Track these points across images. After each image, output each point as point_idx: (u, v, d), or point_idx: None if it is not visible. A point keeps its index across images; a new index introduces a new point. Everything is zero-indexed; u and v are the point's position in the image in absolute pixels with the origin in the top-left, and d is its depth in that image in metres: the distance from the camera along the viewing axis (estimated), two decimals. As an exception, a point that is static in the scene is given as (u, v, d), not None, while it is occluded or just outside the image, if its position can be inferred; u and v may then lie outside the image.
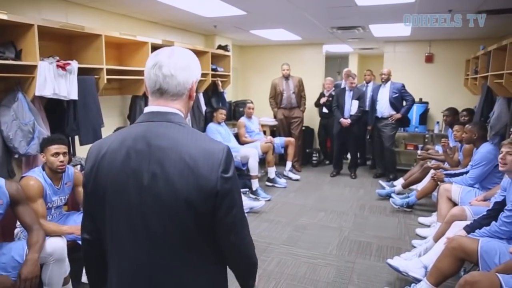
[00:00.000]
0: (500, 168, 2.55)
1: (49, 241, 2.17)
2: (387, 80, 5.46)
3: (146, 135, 0.99)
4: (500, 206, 2.44)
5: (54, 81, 2.85)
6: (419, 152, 5.17)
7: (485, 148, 3.35)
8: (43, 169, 2.46)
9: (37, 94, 2.76)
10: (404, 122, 5.57)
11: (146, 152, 0.98)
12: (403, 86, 5.40)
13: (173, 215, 0.97)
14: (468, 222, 2.63)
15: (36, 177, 2.39)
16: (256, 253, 1.15)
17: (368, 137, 5.99)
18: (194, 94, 1.09)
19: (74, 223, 2.54)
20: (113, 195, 1.01)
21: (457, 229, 2.64)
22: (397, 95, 5.36)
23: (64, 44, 3.34)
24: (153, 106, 1.04)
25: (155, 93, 1.03)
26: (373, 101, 5.53)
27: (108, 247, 1.07)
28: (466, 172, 3.50)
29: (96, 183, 1.03)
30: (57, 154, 2.41)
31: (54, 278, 2.19)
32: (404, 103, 5.43)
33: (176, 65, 1.01)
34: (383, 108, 5.44)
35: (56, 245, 2.19)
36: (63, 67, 2.92)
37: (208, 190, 0.96)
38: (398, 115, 5.35)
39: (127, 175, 0.98)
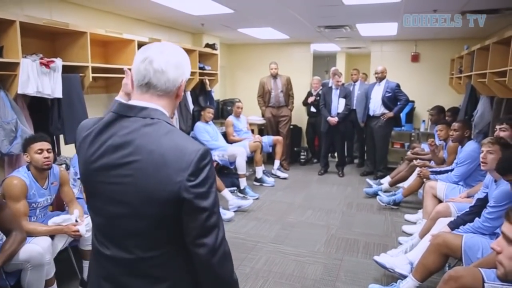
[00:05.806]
0: (481, 167, 2.60)
1: (24, 248, 2.10)
2: (382, 78, 5.38)
3: (120, 131, 0.98)
4: (482, 202, 2.49)
5: (38, 79, 2.79)
6: (408, 153, 5.21)
7: (470, 146, 3.40)
8: (28, 169, 2.42)
9: (19, 92, 2.71)
10: (396, 121, 5.54)
11: (119, 147, 0.96)
12: (398, 85, 5.32)
13: (140, 213, 0.95)
14: (452, 219, 2.68)
15: (20, 176, 2.34)
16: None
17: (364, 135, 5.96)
18: (182, 93, 1.07)
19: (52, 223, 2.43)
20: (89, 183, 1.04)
21: (442, 226, 2.68)
22: (390, 94, 5.29)
23: (48, 41, 3.28)
24: (136, 101, 1.01)
25: (142, 87, 0.99)
26: (367, 99, 5.52)
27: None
28: (451, 170, 3.55)
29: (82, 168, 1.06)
30: (41, 150, 2.38)
31: (33, 284, 2.14)
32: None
33: (168, 61, 0.98)
34: (376, 106, 5.40)
35: (33, 251, 2.12)
36: (46, 65, 2.86)
37: (170, 190, 0.91)
38: (391, 114, 5.30)
39: (97, 170, 0.99)
